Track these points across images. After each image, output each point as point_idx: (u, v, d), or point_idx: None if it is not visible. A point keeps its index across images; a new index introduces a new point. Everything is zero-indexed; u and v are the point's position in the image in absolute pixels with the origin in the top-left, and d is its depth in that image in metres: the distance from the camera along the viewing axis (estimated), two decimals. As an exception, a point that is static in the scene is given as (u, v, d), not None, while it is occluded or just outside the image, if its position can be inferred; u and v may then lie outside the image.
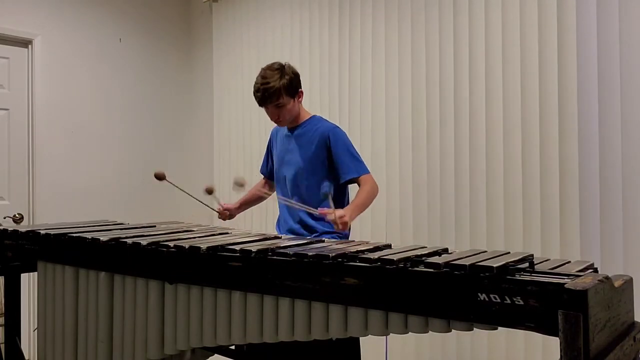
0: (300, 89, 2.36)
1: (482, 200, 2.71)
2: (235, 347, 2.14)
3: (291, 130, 2.42)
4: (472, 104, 2.76)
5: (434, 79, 2.92)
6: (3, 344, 2.45)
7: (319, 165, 2.32)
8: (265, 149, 2.64)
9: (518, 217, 2.58)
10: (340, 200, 2.32)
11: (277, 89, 2.25)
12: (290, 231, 2.34)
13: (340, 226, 2.05)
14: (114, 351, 1.93)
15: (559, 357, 1.11)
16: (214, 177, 4.18)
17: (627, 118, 2.29)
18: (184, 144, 4.37)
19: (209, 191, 2.35)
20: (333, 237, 2.20)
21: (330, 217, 2.05)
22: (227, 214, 2.51)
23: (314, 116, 2.45)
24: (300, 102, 2.39)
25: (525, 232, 2.56)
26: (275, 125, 2.46)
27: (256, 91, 2.29)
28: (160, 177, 2.36)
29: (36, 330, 2.21)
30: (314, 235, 2.26)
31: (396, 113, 3.07)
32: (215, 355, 2.10)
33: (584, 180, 2.39)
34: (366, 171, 2.31)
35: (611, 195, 2.32)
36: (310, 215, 2.28)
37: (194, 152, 4.37)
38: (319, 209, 2.12)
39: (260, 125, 3.86)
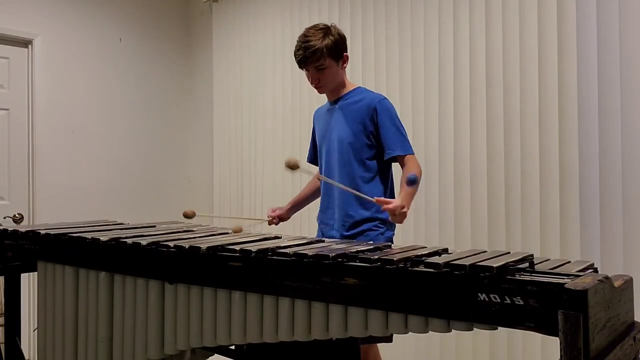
0: (345, 53, 2.18)
1: (482, 200, 2.71)
2: (235, 347, 2.14)
3: (334, 102, 2.25)
4: (472, 104, 2.76)
5: (433, 79, 2.92)
6: (3, 344, 2.45)
7: (365, 138, 2.14)
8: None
9: (518, 217, 2.58)
10: (385, 177, 2.19)
11: (319, 48, 2.08)
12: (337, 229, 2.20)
13: (398, 217, 1.91)
14: (114, 351, 1.93)
15: (559, 357, 1.11)
16: (213, 176, 4.18)
17: (627, 118, 2.29)
18: (183, 144, 4.37)
19: (189, 215, 2.24)
20: (377, 227, 2.12)
21: (388, 207, 1.90)
22: (276, 221, 2.37)
23: (358, 87, 2.27)
24: (345, 68, 2.21)
25: (525, 232, 2.56)
26: (316, 109, 2.33)
27: (297, 49, 2.12)
28: (189, 216, 2.28)
29: (36, 330, 2.21)
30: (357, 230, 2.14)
31: (396, 113, 3.07)
32: (215, 355, 2.10)
33: (584, 180, 2.39)
34: (411, 151, 2.12)
35: (611, 195, 2.32)
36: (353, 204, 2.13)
37: (193, 152, 4.37)
38: (375, 198, 1.97)
39: (259, 125, 3.86)
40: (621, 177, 2.29)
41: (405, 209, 1.91)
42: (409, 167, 2.08)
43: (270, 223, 2.39)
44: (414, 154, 2.13)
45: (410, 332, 1.37)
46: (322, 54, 2.09)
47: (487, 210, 2.68)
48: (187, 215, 2.27)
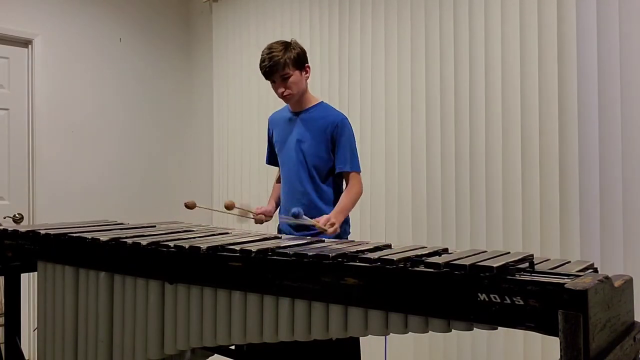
0: (307, 64, 2.35)
1: (481, 200, 2.71)
2: (235, 347, 2.14)
3: (296, 113, 2.40)
4: (472, 104, 2.76)
5: (434, 79, 2.92)
6: (3, 344, 2.45)
7: (324, 151, 2.33)
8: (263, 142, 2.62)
9: (518, 217, 2.58)
10: (337, 188, 2.37)
11: (284, 59, 2.25)
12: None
13: (329, 230, 2.11)
14: (114, 351, 1.93)
15: (559, 357, 1.11)
16: (213, 176, 4.18)
17: (627, 118, 2.29)
18: (183, 144, 4.37)
19: (229, 207, 2.27)
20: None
21: (319, 224, 2.12)
22: (262, 217, 2.44)
23: (321, 102, 2.43)
24: (307, 78, 2.36)
25: (525, 232, 2.56)
26: (271, 114, 2.48)
27: (262, 62, 2.28)
28: (190, 206, 2.29)
29: (36, 330, 2.21)
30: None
31: (396, 113, 3.07)
32: (215, 355, 2.10)
33: (584, 180, 2.39)
34: (357, 169, 2.35)
35: (611, 195, 2.31)
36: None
37: (193, 152, 4.38)
38: (315, 219, 2.17)
39: (259, 126, 3.86)
40: (621, 177, 2.29)
41: (332, 220, 2.14)
42: (350, 183, 2.33)
43: (257, 222, 2.44)
44: (359, 171, 2.35)
45: (410, 332, 1.37)
46: (286, 63, 2.26)
47: (487, 210, 2.68)
48: (188, 206, 2.30)
